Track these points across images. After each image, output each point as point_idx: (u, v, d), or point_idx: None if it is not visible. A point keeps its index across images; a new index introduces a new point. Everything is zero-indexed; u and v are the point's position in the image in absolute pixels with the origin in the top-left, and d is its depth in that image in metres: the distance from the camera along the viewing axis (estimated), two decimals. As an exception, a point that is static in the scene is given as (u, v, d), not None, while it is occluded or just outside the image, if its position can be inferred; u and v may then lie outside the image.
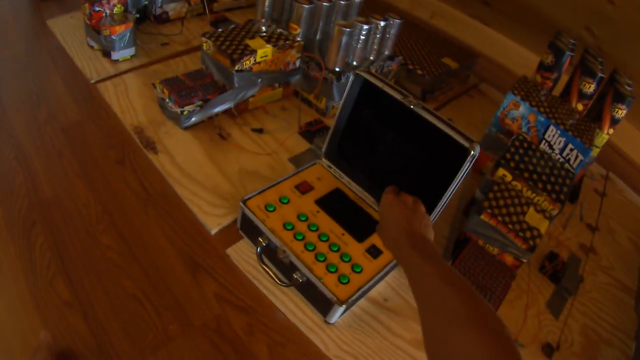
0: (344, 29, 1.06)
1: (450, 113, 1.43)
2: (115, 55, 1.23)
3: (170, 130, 1.09)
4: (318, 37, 1.19)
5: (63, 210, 0.91)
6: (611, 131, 1.16)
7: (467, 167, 0.79)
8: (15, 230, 0.86)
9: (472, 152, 0.77)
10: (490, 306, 0.61)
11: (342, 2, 1.17)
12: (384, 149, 0.92)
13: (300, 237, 0.82)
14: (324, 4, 1.13)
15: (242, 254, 0.89)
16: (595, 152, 1.20)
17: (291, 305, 0.83)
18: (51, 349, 0.70)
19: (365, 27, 1.09)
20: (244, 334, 0.79)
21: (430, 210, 0.84)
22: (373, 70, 1.14)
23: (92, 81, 1.19)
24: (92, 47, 1.27)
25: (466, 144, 0.78)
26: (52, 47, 1.30)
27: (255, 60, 1.06)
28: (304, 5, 1.11)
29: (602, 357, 0.93)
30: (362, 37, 1.11)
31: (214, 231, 0.92)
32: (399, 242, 0.75)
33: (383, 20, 1.14)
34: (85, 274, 0.82)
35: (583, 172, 1.25)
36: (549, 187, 0.97)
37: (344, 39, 1.07)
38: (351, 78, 0.88)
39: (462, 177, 0.81)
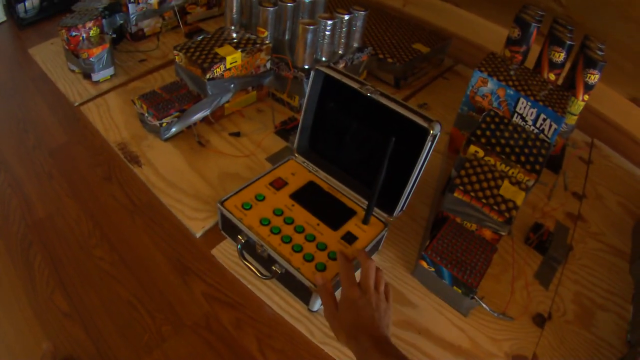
0: (308, 27, 1.11)
1: (426, 97, 1.47)
2: (95, 77, 1.29)
3: (152, 143, 1.15)
4: (287, 37, 1.24)
5: (57, 228, 0.98)
6: (586, 97, 1.18)
7: (428, 147, 0.82)
8: (13, 251, 0.93)
9: (432, 132, 0.81)
10: None
11: (307, 1, 1.21)
12: (351, 139, 0.96)
13: (276, 231, 0.87)
14: (288, 4, 1.18)
15: (226, 253, 0.94)
16: (572, 119, 1.21)
17: (276, 298, 0.88)
18: (54, 358, 0.76)
19: (330, 22, 1.13)
20: (233, 328, 0.84)
21: (398, 195, 0.88)
22: (342, 64, 1.19)
23: (76, 104, 1.26)
24: (73, 70, 1.33)
25: (425, 124, 0.81)
26: (35, 74, 1.38)
27: (225, 67, 1.11)
28: (269, 8, 1.16)
29: (598, 323, 0.95)
30: (328, 33, 1.15)
31: (198, 234, 0.98)
32: (362, 345, 0.71)
33: (347, 14, 1.18)
34: (81, 286, 0.88)
35: (564, 141, 1.28)
36: (522, 158, 0.99)
37: (309, 36, 1.12)
38: (312, 74, 0.92)
39: (425, 158, 0.84)
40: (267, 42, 1.18)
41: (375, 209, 0.93)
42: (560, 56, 1.17)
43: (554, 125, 1.07)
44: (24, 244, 0.94)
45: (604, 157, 1.39)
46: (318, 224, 0.90)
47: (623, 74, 1.45)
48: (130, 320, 0.84)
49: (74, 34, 1.25)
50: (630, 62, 1.40)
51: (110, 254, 0.94)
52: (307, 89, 0.94)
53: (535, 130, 1.10)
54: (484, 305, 0.89)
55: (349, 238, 0.88)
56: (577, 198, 1.22)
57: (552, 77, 1.20)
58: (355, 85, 0.88)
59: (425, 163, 0.86)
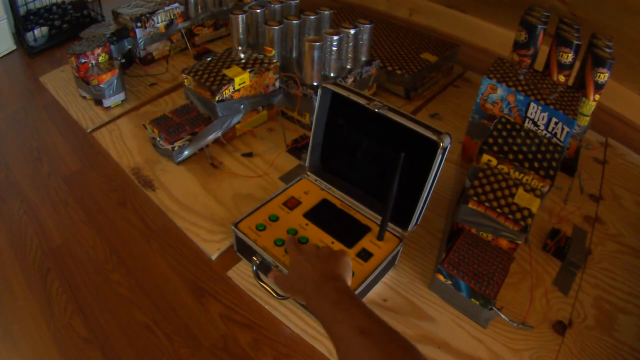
0: (314, 43, 1.12)
1: (437, 107, 1.47)
2: (106, 103, 1.31)
3: (165, 167, 1.17)
4: (294, 54, 1.25)
5: (73, 254, 1.00)
6: (597, 97, 1.17)
7: (439, 160, 0.82)
8: (31, 278, 0.95)
9: (442, 145, 0.81)
10: (414, 353, 0.58)
11: (312, 17, 1.22)
12: (362, 155, 0.97)
13: (290, 251, 0.87)
14: (294, 22, 1.19)
15: (242, 274, 0.95)
16: (584, 120, 1.20)
17: (293, 317, 0.88)
18: None
19: (335, 38, 1.14)
20: (250, 349, 0.84)
21: (412, 210, 0.88)
22: (351, 79, 1.20)
23: (88, 130, 1.28)
24: (84, 97, 1.36)
25: (434, 137, 0.81)
26: (47, 102, 1.41)
27: (234, 88, 1.12)
28: (274, 27, 1.17)
29: (620, 327, 0.93)
30: (334, 48, 1.16)
31: (214, 256, 0.98)
32: (307, 293, 0.73)
33: (353, 28, 1.19)
34: (99, 311, 0.89)
35: (577, 143, 1.26)
36: (536, 164, 0.98)
37: (316, 53, 1.13)
38: (319, 92, 0.93)
39: (437, 171, 0.84)
40: (274, 61, 1.19)
41: (390, 224, 0.93)
42: (568, 57, 1.16)
43: (566, 128, 1.06)
44: (41, 271, 0.96)
45: (619, 156, 1.37)
46: (333, 242, 0.90)
47: (633, 69, 1.43)
48: (148, 343, 0.85)
49: (83, 61, 1.27)
50: (638, 57, 1.38)
51: (127, 278, 0.95)
52: (316, 107, 0.95)
53: (548, 135, 1.09)
54: (503, 316, 0.88)
55: (364, 255, 0.89)
56: (593, 200, 1.21)
57: (561, 78, 1.19)
58: (362, 102, 0.88)
59: (438, 176, 0.86)
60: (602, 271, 1.04)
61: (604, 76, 1.14)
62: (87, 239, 1.03)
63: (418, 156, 0.84)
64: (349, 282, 0.77)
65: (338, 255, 0.79)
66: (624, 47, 1.35)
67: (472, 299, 0.88)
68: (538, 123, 1.09)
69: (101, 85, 1.27)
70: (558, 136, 1.08)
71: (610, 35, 1.20)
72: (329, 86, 0.92)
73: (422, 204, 0.88)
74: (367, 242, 0.91)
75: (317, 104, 0.94)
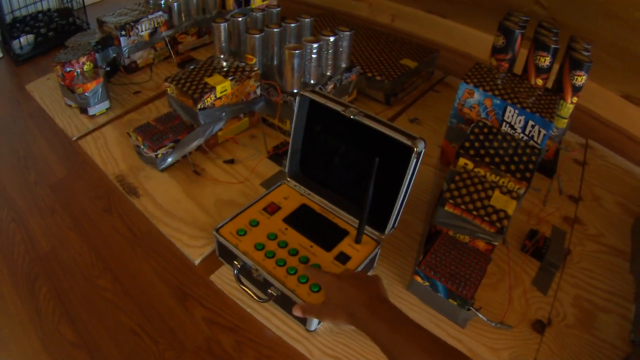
0: (294, 51, 1.15)
1: (417, 112, 1.50)
2: (91, 111, 1.34)
3: (149, 174, 1.20)
4: (275, 62, 1.28)
5: (60, 261, 1.03)
6: (575, 99, 1.20)
7: (413, 164, 0.86)
8: (19, 284, 0.98)
9: (416, 149, 0.84)
10: None
11: (292, 25, 1.26)
12: (340, 161, 1.00)
13: (270, 255, 0.91)
14: (274, 30, 1.22)
15: (225, 278, 0.98)
16: (562, 123, 1.24)
17: (274, 320, 0.91)
18: None
19: (315, 45, 1.18)
20: (233, 351, 0.88)
21: (389, 213, 0.92)
22: (331, 85, 1.23)
23: (74, 138, 1.31)
24: (69, 105, 1.39)
25: (408, 143, 0.85)
26: (33, 110, 1.44)
27: (216, 96, 1.16)
28: (255, 36, 1.20)
29: (600, 325, 0.96)
30: (314, 56, 1.19)
31: (197, 261, 1.02)
32: (358, 316, 0.73)
33: (332, 36, 1.22)
34: (87, 316, 0.93)
35: (556, 145, 1.30)
36: (512, 167, 1.00)
37: (296, 61, 1.16)
38: (297, 100, 0.96)
39: (412, 175, 0.87)
40: (255, 68, 1.23)
41: (367, 228, 0.96)
42: (545, 60, 1.20)
43: (543, 131, 1.09)
44: (29, 277, 0.99)
45: (599, 157, 1.41)
46: (311, 246, 0.93)
47: (613, 71, 1.47)
48: (134, 347, 0.88)
49: (68, 69, 1.30)
50: (618, 59, 1.42)
51: (113, 283, 0.98)
52: (294, 114, 0.98)
53: (525, 138, 1.12)
54: (481, 316, 0.91)
55: (342, 258, 0.92)
56: (573, 201, 1.24)
57: (539, 82, 1.23)
58: (338, 108, 0.92)
59: (413, 180, 0.89)
60: (581, 271, 1.06)
61: (581, 79, 1.18)
62: (74, 245, 1.06)
63: (394, 161, 0.87)
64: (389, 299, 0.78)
65: (377, 278, 0.81)
66: (604, 50, 1.39)
67: (450, 300, 0.91)
68: (515, 126, 1.12)
69: (86, 94, 1.30)
70: (535, 139, 1.11)
71: (589, 39, 1.23)
72: (306, 94, 0.96)
73: (398, 207, 0.91)
74: (345, 246, 0.94)
75: (295, 112, 0.98)
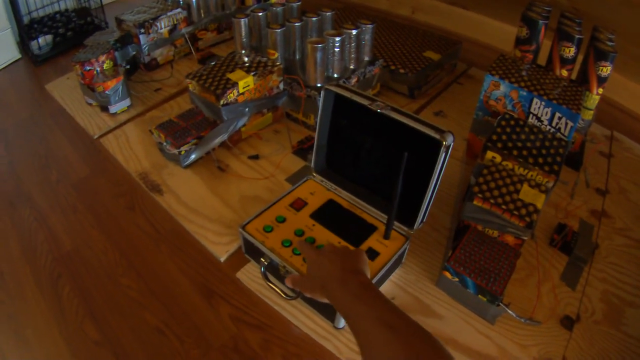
0: (316, 45, 1.14)
1: (441, 105, 1.49)
2: (112, 109, 1.34)
3: (172, 171, 1.19)
4: (297, 56, 1.27)
5: (84, 259, 1.02)
6: (600, 90, 1.18)
7: (442, 158, 0.84)
8: (43, 284, 0.98)
9: (445, 143, 0.82)
10: (438, 347, 0.58)
11: (314, 19, 1.24)
12: (367, 155, 0.99)
13: (298, 252, 0.89)
14: (296, 24, 1.21)
15: (251, 275, 0.97)
16: (588, 114, 1.21)
17: (302, 317, 0.90)
18: None
19: (338, 39, 1.16)
20: (260, 349, 0.86)
21: (417, 208, 0.90)
22: (354, 79, 1.22)
23: (95, 137, 1.31)
24: (90, 104, 1.39)
25: (437, 136, 0.83)
26: (53, 110, 1.44)
27: (238, 92, 1.15)
28: (276, 30, 1.19)
29: (628, 320, 0.94)
30: (337, 49, 1.18)
31: (222, 258, 1.01)
32: (328, 288, 0.73)
33: (355, 29, 1.21)
34: (110, 314, 0.92)
35: (582, 137, 1.28)
36: (540, 160, 0.99)
37: (318, 55, 1.15)
38: (322, 94, 0.95)
39: (440, 169, 0.85)
40: (277, 63, 1.21)
41: (396, 223, 0.94)
42: (570, 51, 1.17)
43: (570, 123, 1.07)
44: (52, 276, 0.99)
45: (625, 150, 1.38)
46: (339, 242, 0.92)
47: (637, 62, 1.44)
48: (159, 345, 0.87)
49: (88, 68, 1.29)
50: (641, 49, 1.40)
51: (137, 281, 0.97)
52: (319, 109, 0.97)
53: (552, 130, 1.10)
54: (510, 312, 0.90)
55: (371, 254, 0.90)
56: (600, 194, 1.22)
57: (564, 73, 1.20)
58: (365, 102, 0.90)
59: (442, 174, 0.87)
60: (609, 265, 1.05)
61: (606, 70, 1.15)
62: (97, 243, 1.05)
63: (422, 155, 0.86)
64: (369, 277, 0.77)
65: (356, 252, 0.80)
66: (627, 40, 1.36)
67: (479, 296, 0.90)
68: (542, 118, 1.10)
69: (106, 92, 1.30)
70: (562, 131, 1.09)
71: (612, 29, 1.21)
72: (331, 88, 0.94)
73: (427, 202, 0.90)
74: (373, 241, 0.93)
75: (320, 106, 0.96)
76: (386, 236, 0.93)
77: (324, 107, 0.97)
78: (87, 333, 0.89)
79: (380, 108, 0.89)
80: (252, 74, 1.16)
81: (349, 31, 1.20)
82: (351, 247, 0.91)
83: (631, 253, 1.08)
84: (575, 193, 1.20)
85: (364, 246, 0.92)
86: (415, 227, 0.93)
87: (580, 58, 1.21)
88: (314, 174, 1.05)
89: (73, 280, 0.98)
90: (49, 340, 0.88)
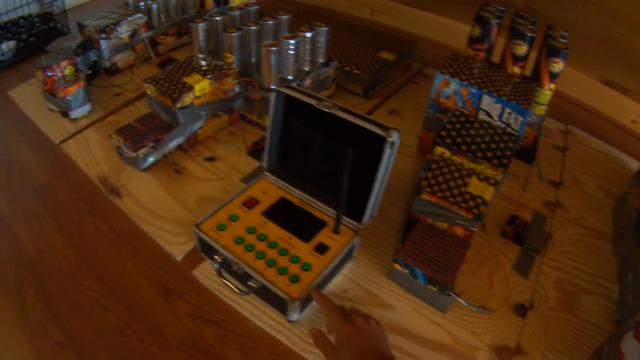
0: (271, 48, 1.18)
1: (395, 104, 1.54)
2: (73, 114, 1.37)
3: (131, 174, 1.23)
4: (253, 59, 1.31)
5: (46, 263, 1.06)
6: (552, 86, 1.23)
7: (387, 154, 0.89)
8: (7, 288, 1.01)
9: (389, 139, 0.87)
10: None
11: (270, 23, 1.29)
12: (317, 153, 1.04)
13: (250, 248, 0.94)
14: (252, 28, 1.26)
15: (207, 273, 1.01)
16: (540, 109, 1.27)
17: (256, 311, 0.95)
18: None
19: (292, 42, 1.21)
20: (217, 344, 0.91)
21: (365, 203, 0.95)
22: (309, 81, 1.26)
23: (57, 142, 1.34)
24: (52, 109, 1.42)
25: (382, 133, 0.88)
26: (15, 116, 1.47)
27: (194, 95, 1.19)
28: (232, 34, 1.24)
29: (583, 307, 0.99)
30: (291, 52, 1.23)
31: (179, 258, 1.05)
32: None
33: (309, 32, 1.26)
34: (73, 316, 0.96)
35: (535, 132, 1.33)
36: (489, 154, 1.03)
37: (273, 57, 1.20)
38: (272, 95, 1.00)
39: (387, 165, 0.90)
40: (233, 66, 1.26)
41: (345, 218, 0.99)
42: (522, 49, 1.23)
43: (520, 118, 1.12)
44: (17, 280, 1.02)
45: (579, 143, 1.44)
46: (290, 238, 0.97)
47: (592, 58, 1.51)
48: (120, 344, 0.91)
49: (49, 74, 1.33)
50: (597, 45, 1.46)
51: (98, 283, 1.01)
52: (270, 110, 1.01)
53: (502, 125, 1.15)
54: (461, 301, 0.94)
55: (321, 248, 0.95)
56: (554, 186, 1.28)
57: (517, 70, 1.26)
58: (313, 102, 0.95)
59: (388, 169, 0.92)
60: (563, 254, 1.10)
61: (558, 66, 1.21)
62: (59, 247, 1.09)
63: (369, 152, 0.91)
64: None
65: (383, 332, 0.83)
66: (582, 37, 1.43)
67: (429, 286, 0.94)
68: (492, 114, 1.15)
69: (67, 98, 1.33)
70: (512, 126, 1.14)
71: (567, 27, 1.26)
72: (282, 89, 0.99)
73: (374, 197, 0.95)
74: (323, 236, 0.98)
75: (271, 107, 1.01)
76: (335, 231, 0.98)
77: (275, 108, 1.02)
78: (50, 335, 0.92)
79: (328, 107, 0.93)
80: (209, 77, 1.21)
81: (304, 34, 1.25)
82: (297, 243, 0.96)
83: (586, 242, 1.13)
84: (528, 186, 1.25)
85: (314, 241, 0.96)
86: (364, 222, 0.98)
87: (534, 56, 1.26)
88: (267, 174, 1.10)
89: (36, 284, 1.01)
90: (14, 343, 0.91)
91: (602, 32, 1.42)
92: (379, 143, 0.88)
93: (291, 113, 1.03)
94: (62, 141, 1.34)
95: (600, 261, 1.09)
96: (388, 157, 0.90)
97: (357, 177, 0.92)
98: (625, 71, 1.49)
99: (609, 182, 1.31)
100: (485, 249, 1.09)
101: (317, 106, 0.94)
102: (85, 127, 1.38)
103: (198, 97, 1.20)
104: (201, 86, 1.19)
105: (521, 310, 0.97)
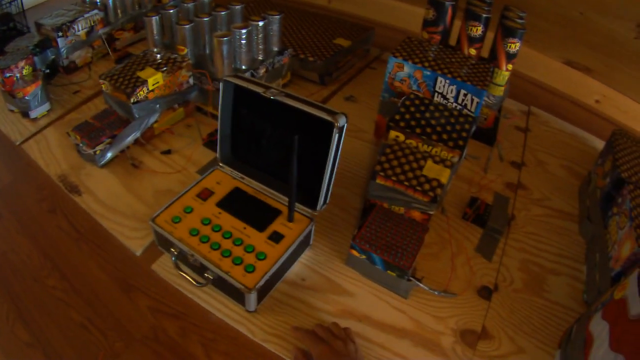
0: (222, 38, 1.19)
1: (353, 90, 1.56)
2: (33, 114, 1.37)
3: (89, 171, 1.24)
4: (207, 51, 1.32)
5: (11, 265, 1.06)
6: (510, 67, 1.25)
7: (336, 139, 0.90)
8: (-26, 291, 1.02)
9: (337, 124, 0.88)
10: None
11: (223, 13, 1.29)
12: (268, 142, 1.04)
13: (205, 240, 0.95)
14: (204, 19, 1.26)
15: (165, 266, 1.02)
16: (498, 90, 1.28)
17: (215, 303, 0.96)
18: None
19: (244, 31, 1.21)
20: (179, 337, 0.92)
21: (318, 190, 0.96)
22: (263, 69, 1.27)
23: (17, 143, 1.34)
24: (12, 110, 1.42)
25: (329, 118, 0.89)
26: (-24, 119, 1.46)
27: (148, 89, 1.20)
28: (185, 26, 1.24)
29: (550, 288, 1.00)
30: (244, 42, 1.23)
31: (138, 252, 1.06)
32: None
33: (261, 21, 1.26)
34: (39, 316, 0.97)
35: (495, 113, 1.35)
36: (445, 136, 1.04)
37: (225, 48, 1.20)
38: (221, 85, 1.00)
39: (335, 151, 0.91)
40: (186, 59, 1.26)
41: (299, 206, 1.00)
42: (477, 30, 1.24)
43: (476, 99, 1.13)
44: (-18, 283, 1.03)
45: (542, 123, 1.46)
46: (245, 228, 0.98)
47: (552, 38, 1.52)
48: (85, 341, 0.92)
49: (8, 75, 1.32)
50: (556, 25, 1.47)
51: (62, 282, 1.02)
52: (220, 100, 1.02)
53: (458, 107, 1.16)
54: (422, 285, 0.95)
55: (276, 237, 0.96)
56: (516, 167, 1.29)
57: (472, 52, 1.27)
58: (259, 90, 0.96)
59: (338, 155, 0.93)
60: (527, 235, 1.11)
61: (515, 46, 1.22)
62: (23, 248, 1.09)
63: (319, 138, 0.92)
64: None
65: (361, 354, 0.86)
66: (541, 17, 1.44)
67: (388, 271, 0.95)
68: (447, 96, 1.16)
69: (26, 97, 1.33)
70: (468, 107, 1.15)
71: (524, 8, 1.27)
72: (229, 79, 0.99)
73: (326, 183, 0.96)
74: (278, 225, 0.98)
75: (220, 97, 1.02)
76: (290, 219, 0.99)
77: (224, 98, 1.03)
78: (18, 336, 0.93)
79: (274, 95, 0.94)
80: (162, 70, 1.21)
81: (256, 23, 1.25)
82: (252, 232, 0.97)
83: (551, 222, 1.15)
84: (489, 167, 1.27)
85: (269, 230, 0.97)
86: (318, 209, 0.99)
87: (491, 37, 1.27)
88: (221, 165, 1.11)
89: (2, 285, 1.02)
90: (-17, 346, 0.92)
91: (560, 11, 1.43)
92: (327, 129, 0.89)
93: (241, 102, 1.04)
94: (23, 142, 1.34)
95: (567, 241, 1.11)
96: (337, 142, 0.91)
97: (310, 164, 0.93)
98: (586, 51, 1.50)
99: (573, 162, 1.33)
100: (446, 232, 1.10)
101: (263, 94, 0.95)
102: (45, 127, 1.38)
103: (152, 90, 1.20)
104: (154, 79, 1.20)
105: (486, 293, 0.99)
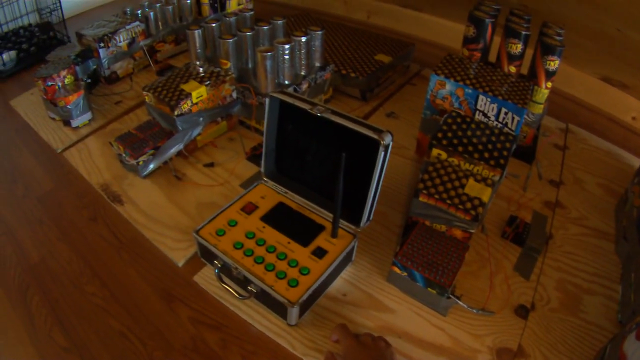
0: (265, 53, 1.21)
1: (393, 106, 1.56)
2: (74, 123, 1.41)
3: (132, 182, 1.26)
4: (250, 65, 1.34)
5: (50, 270, 1.09)
6: (549, 84, 1.25)
7: (381, 157, 0.91)
8: (12, 295, 1.04)
9: (383, 142, 0.89)
10: None
11: (265, 28, 1.32)
12: (313, 158, 1.06)
13: (249, 253, 0.96)
14: (247, 34, 1.28)
15: (207, 278, 1.04)
16: (537, 108, 1.28)
17: (256, 316, 0.97)
18: None
19: (287, 46, 1.23)
20: (219, 348, 0.93)
21: (362, 207, 0.97)
22: (305, 85, 1.29)
23: (58, 151, 1.37)
24: (53, 118, 1.45)
25: (375, 136, 0.90)
26: (18, 125, 1.51)
27: (192, 102, 1.22)
28: (228, 40, 1.26)
29: (586, 307, 1.00)
30: (287, 57, 1.25)
31: (180, 263, 1.08)
32: None
33: (304, 36, 1.28)
34: (77, 321, 0.99)
35: (533, 131, 1.35)
36: (486, 155, 1.04)
37: (268, 63, 1.22)
38: (267, 101, 1.02)
39: (381, 168, 0.93)
40: (230, 73, 1.29)
41: (343, 222, 1.01)
42: (517, 47, 1.24)
43: (516, 117, 1.13)
44: (21, 288, 1.06)
45: (580, 141, 1.45)
46: (289, 242, 0.99)
47: (589, 54, 1.52)
48: (123, 349, 0.94)
49: (49, 83, 1.36)
50: (593, 42, 1.47)
51: (101, 289, 1.04)
52: (265, 115, 1.04)
53: (499, 125, 1.16)
54: (461, 303, 0.95)
55: (319, 252, 0.97)
56: (554, 185, 1.28)
57: (512, 69, 1.27)
58: (306, 107, 0.97)
59: (383, 172, 0.94)
60: (564, 254, 1.11)
61: (554, 64, 1.22)
62: (63, 254, 1.12)
63: (364, 155, 0.93)
64: None
65: (392, 351, 0.86)
66: (579, 34, 1.44)
67: (429, 289, 0.96)
68: (488, 114, 1.16)
69: (68, 106, 1.37)
70: (509, 126, 1.15)
71: (562, 24, 1.27)
72: (276, 95, 1.01)
73: (370, 200, 0.97)
74: (321, 240, 1.00)
75: (266, 113, 1.04)
76: (333, 235, 1.00)
77: (270, 114, 1.05)
78: (56, 340, 0.95)
79: (321, 112, 0.96)
80: (206, 84, 1.24)
81: (299, 38, 1.27)
82: (295, 247, 0.98)
83: (587, 242, 1.14)
84: (528, 186, 1.26)
85: (313, 245, 0.99)
86: (361, 225, 1.00)
87: (530, 54, 1.27)
88: (265, 179, 1.13)
89: (41, 290, 1.05)
90: (21, 349, 0.94)
91: (598, 28, 1.43)
92: (373, 146, 0.91)
93: (286, 118, 1.06)
94: (64, 149, 1.37)
95: (603, 261, 1.10)
96: (382, 160, 0.92)
97: (354, 181, 0.94)
98: (623, 67, 1.50)
99: (610, 180, 1.32)
100: (486, 250, 1.10)
101: (310, 111, 0.97)
102: (87, 135, 1.42)
103: (196, 103, 1.23)
104: (198, 93, 1.22)
105: (522, 311, 0.98)
